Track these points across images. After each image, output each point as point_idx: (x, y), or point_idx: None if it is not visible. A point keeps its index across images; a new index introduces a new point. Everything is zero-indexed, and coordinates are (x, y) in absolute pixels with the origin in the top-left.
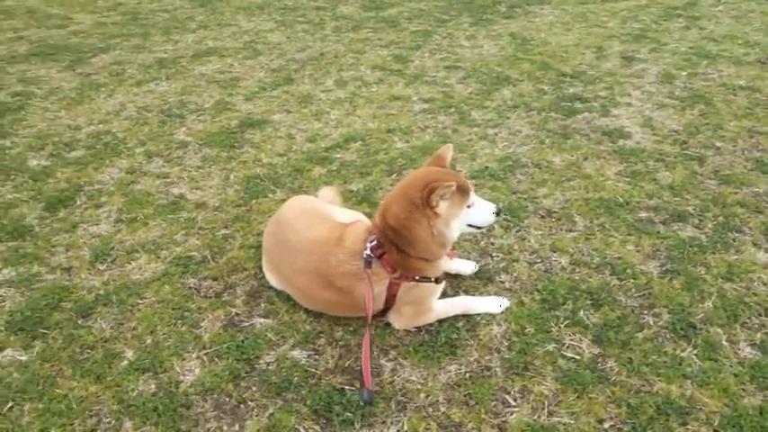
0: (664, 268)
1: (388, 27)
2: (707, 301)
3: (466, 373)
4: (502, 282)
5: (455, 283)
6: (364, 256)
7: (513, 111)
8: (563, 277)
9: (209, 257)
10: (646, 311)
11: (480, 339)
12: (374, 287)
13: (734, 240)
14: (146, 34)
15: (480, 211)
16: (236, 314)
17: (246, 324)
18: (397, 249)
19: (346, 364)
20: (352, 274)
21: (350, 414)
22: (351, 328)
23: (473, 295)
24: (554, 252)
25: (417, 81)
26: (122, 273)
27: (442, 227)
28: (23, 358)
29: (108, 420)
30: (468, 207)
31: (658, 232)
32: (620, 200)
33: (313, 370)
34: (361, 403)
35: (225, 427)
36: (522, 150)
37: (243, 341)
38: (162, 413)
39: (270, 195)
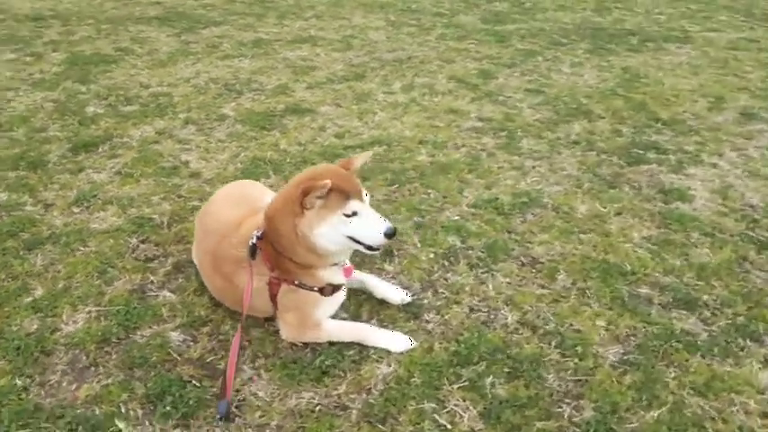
0: (624, 357)
1: (495, 42)
2: (652, 411)
3: (317, 405)
4: (427, 321)
5: (371, 308)
6: (249, 244)
7: (571, 147)
8: (496, 335)
9: (165, 223)
10: (567, 400)
11: (358, 374)
12: (254, 281)
13: (741, 349)
14: (262, 16)
15: (364, 224)
16: (151, 282)
17: (152, 294)
18: (273, 245)
19: (209, 360)
20: (235, 260)
21: (172, 409)
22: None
23: (383, 326)
24: (507, 305)
25: (486, 98)
26: (86, 219)
27: (305, 228)
28: None
29: None
30: (348, 216)
31: (648, 314)
32: (627, 268)
33: (175, 355)
34: (217, 416)
35: (64, 384)
36: (550, 190)
37: (134, 308)
38: (21, 353)
39: (262, 179)
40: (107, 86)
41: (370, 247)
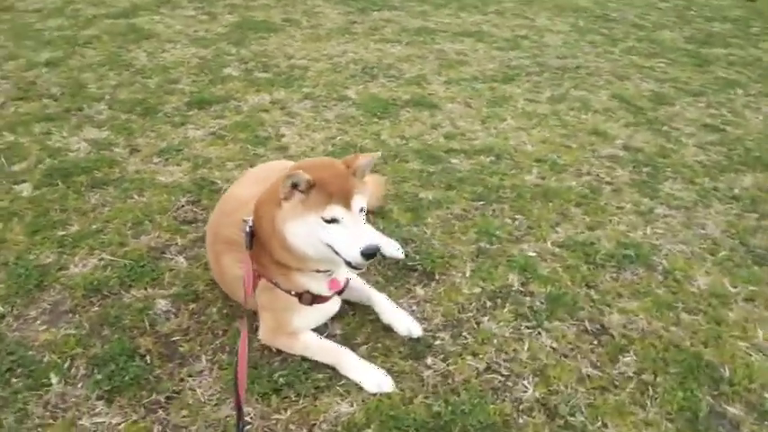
0: None
1: (692, 65)
2: None
3: (247, 425)
4: (426, 366)
5: (371, 333)
6: (246, 229)
7: (726, 203)
8: (499, 409)
9: (223, 189)
10: None
11: (312, 404)
12: (236, 268)
13: None
14: (441, 6)
15: (342, 235)
16: (174, 245)
17: (168, 257)
18: (257, 235)
19: (175, 339)
20: (225, 240)
21: (105, 379)
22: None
23: (373, 356)
24: (535, 376)
25: (645, 126)
26: (157, 171)
27: (279, 221)
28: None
29: None
30: (329, 221)
31: None
32: (725, 374)
33: (147, 324)
34: None
35: (37, 322)
36: (669, 249)
37: (141, 266)
38: (21, 281)
39: None
40: (254, 52)
41: (349, 263)
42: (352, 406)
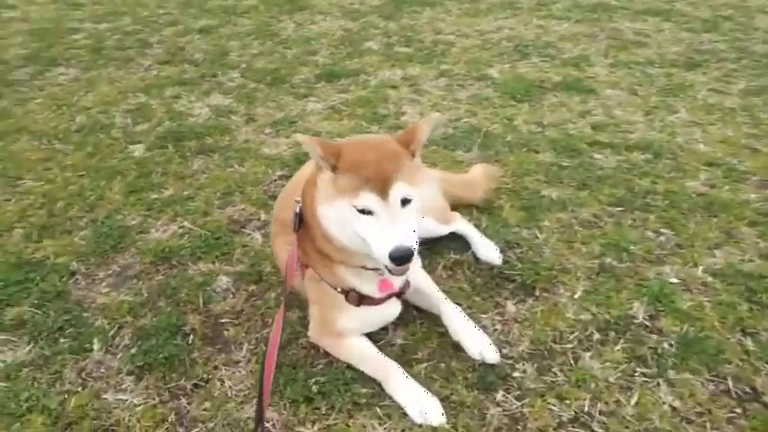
0: None
1: None
2: None
3: None
4: (495, 403)
5: (436, 349)
6: (296, 209)
7: None
8: None
9: None
10: None
11: (344, 423)
12: (286, 252)
13: None
14: None
15: (374, 230)
16: (256, 219)
17: (245, 232)
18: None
19: (223, 321)
20: (281, 222)
21: (140, 353)
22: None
23: (429, 380)
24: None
25: None
26: (264, 142)
27: (315, 203)
28: None
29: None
30: (362, 211)
31: None
32: None
33: (200, 302)
34: None
35: (102, 284)
36: None
37: (216, 239)
38: (100, 241)
39: (459, 152)
40: (402, 26)
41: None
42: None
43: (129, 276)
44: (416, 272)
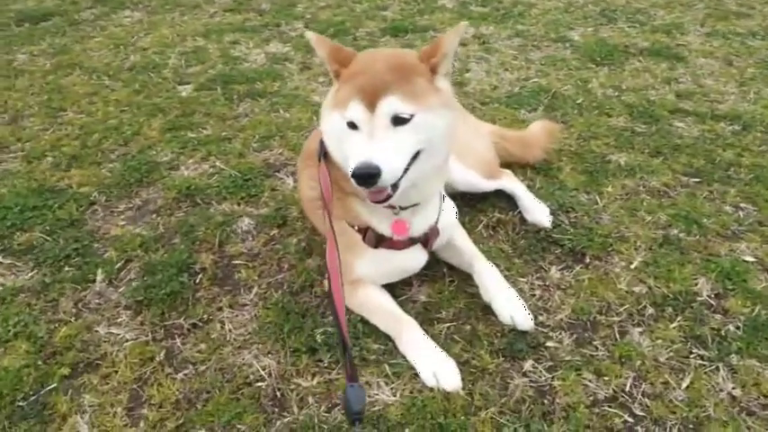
0: None
1: None
2: None
3: (244, 384)
4: (522, 373)
5: (463, 308)
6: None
7: None
8: None
9: None
10: None
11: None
12: (311, 189)
13: None
14: None
15: (352, 144)
16: (292, 165)
17: (278, 176)
18: None
19: (236, 264)
20: (308, 155)
21: (143, 289)
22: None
23: (448, 342)
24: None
25: None
26: (314, 89)
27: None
28: None
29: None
30: (351, 126)
31: None
32: None
33: (216, 240)
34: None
35: (119, 209)
36: None
37: (246, 180)
38: (127, 174)
39: (523, 111)
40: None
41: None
42: (394, 395)
43: (149, 211)
44: (449, 222)
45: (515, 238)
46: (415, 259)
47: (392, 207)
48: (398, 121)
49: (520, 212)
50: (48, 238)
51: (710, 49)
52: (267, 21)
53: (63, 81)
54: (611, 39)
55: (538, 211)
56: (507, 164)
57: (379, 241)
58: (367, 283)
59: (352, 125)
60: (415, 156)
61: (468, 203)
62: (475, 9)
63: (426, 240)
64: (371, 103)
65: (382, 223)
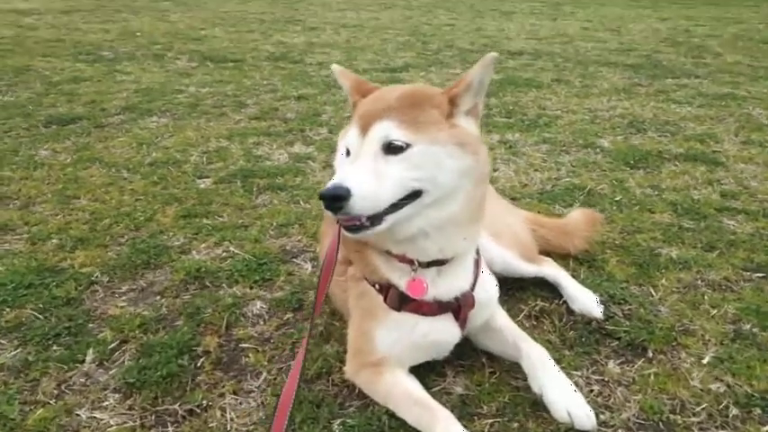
0: None
1: None
2: None
3: None
4: None
5: (513, 399)
6: None
7: None
8: None
9: None
10: None
11: None
12: (330, 247)
13: None
14: None
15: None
16: (311, 252)
17: (295, 263)
18: None
19: (241, 349)
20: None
21: (131, 363)
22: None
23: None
24: None
25: None
26: None
27: None
28: None
29: None
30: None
31: None
32: None
33: (224, 322)
34: None
35: (120, 299)
36: None
37: (262, 265)
38: (132, 256)
39: (557, 206)
40: (503, 102)
41: None
42: None
43: (154, 292)
44: (488, 297)
45: (563, 328)
46: (445, 332)
47: (410, 262)
48: (391, 149)
49: (565, 302)
50: (39, 315)
51: (749, 156)
52: (292, 127)
53: (81, 173)
54: (642, 146)
55: (586, 300)
56: (546, 254)
57: (402, 302)
58: (393, 368)
59: (348, 152)
60: (416, 196)
61: (507, 292)
62: (500, 119)
63: (458, 309)
64: (365, 128)
65: (401, 279)
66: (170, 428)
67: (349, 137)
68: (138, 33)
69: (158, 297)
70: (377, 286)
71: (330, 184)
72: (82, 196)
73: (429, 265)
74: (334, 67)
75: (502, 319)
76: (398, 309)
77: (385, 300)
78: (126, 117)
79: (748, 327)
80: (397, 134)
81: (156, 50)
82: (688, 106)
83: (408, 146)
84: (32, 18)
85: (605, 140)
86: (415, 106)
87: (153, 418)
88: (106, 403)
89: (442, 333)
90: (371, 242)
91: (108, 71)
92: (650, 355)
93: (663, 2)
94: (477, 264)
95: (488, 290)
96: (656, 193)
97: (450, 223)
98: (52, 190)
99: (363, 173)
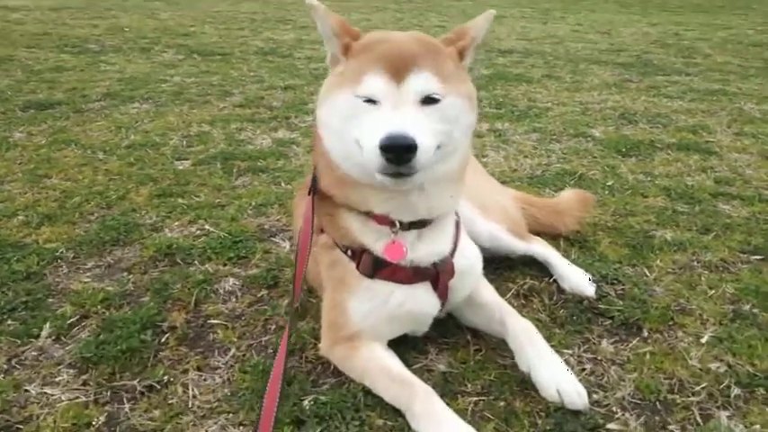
0: None
1: None
2: None
3: None
4: None
5: (504, 382)
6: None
7: None
8: None
9: None
10: None
11: None
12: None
13: None
14: None
15: (370, 121)
16: (287, 225)
17: (273, 241)
18: None
19: (212, 322)
20: (305, 185)
21: (90, 338)
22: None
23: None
24: None
25: None
26: None
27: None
28: None
29: None
30: (362, 100)
31: None
32: None
33: (193, 299)
34: None
35: (82, 270)
36: None
37: (236, 243)
38: (103, 232)
39: (548, 190)
40: (494, 95)
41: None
42: None
43: (121, 269)
44: (469, 265)
45: (553, 307)
46: (423, 302)
47: (391, 224)
48: (427, 101)
49: (555, 281)
50: None
51: (743, 146)
52: (277, 114)
53: (55, 154)
54: (634, 136)
55: (578, 279)
56: (536, 234)
57: (376, 268)
58: (370, 342)
59: (370, 101)
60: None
61: (494, 271)
62: (489, 110)
63: (437, 277)
64: (398, 75)
65: (378, 243)
66: (126, 405)
67: (373, 83)
68: (127, 29)
69: (125, 273)
70: (349, 252)
71: (391, 132)
72: (54, 176)
73: (410, 227)
74: (313, 1)
75: (487, 293)
76: (372, 275)
77: (357, 266)
78: (107, 103)
79: (748, 307)
80: (436, 86)
81: (143, 44)
82: (679, 100)
83: (441, 98)
84: (20, 14)
85: (596, 130)
86: (437, 56)
87: (108, 393)
88: (59, 378)
89: (420, 303)
90: (350, 202)
91: (92, 62)
92: (645, 334)
93: (652, 8)
94: (457, 227)
95: (469, 257)
96: (649, 179)
97: (446, 179)
98: (23, 170)
99: (420, 123)
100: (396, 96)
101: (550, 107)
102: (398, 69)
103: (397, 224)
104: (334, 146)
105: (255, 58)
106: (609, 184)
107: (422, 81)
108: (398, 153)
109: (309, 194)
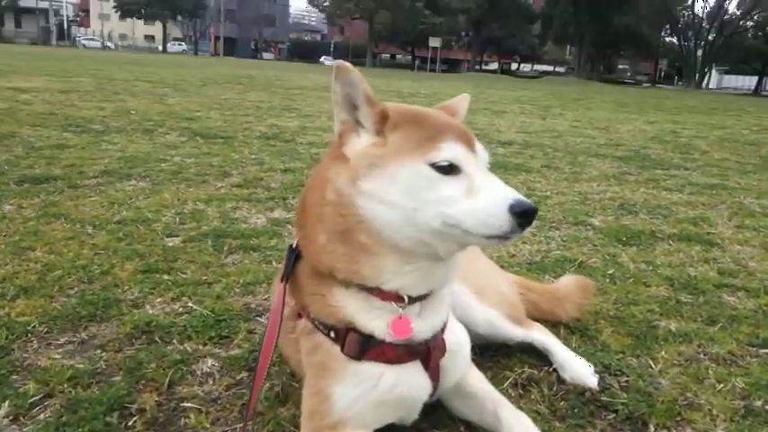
0: None
1: None
2: None
3: None
4: None
5: None
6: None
7: None
8: None
9: None
10: None
11: None
12: (281, 308)
13: None
14: None
15: (463, 190)
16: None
17: (259, 318)
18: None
19: (185, 405)
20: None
21: (50, 419)
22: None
23: None
24: None
25: None
26: None
27: (341, 182)
28: None
29: None
30: (440, 170)
31: None
32: None
33: (166, 380)
34: None
35: (62, 340)
36: None
37: (219, 321)
38: (81, 307)
39: (547, 276)
40: None
41: (487, 237)
42: None
43: (94, 345)
44: (458, 343)
45: (553, 398)
46: (415, 384)
47: (399, 299)
48: None
49: (555, 370)
50: None
51: (745, 238)
52: (274, 195)
53: (43, 227)
54: (634, 225)
55: (580, 369)
56: (535, 321)
57: (363, 349)
58: (352, 430)
59: (448, 169)
60: None
61: (491, 358)
62: None
63: (428, 355)
64: (470, 144)
65: (376, 321)
66: None
67: (456, 151)
68: (133, 112)
69: (98, 350)
70: (332, 334)
71: (521, 199)
72: (38, 248)
73: (414, 300)
74: (344, 63)
75: (477, 381)
76: (359, 357)
77: (342, 348)
78: (103, 180)
79: (760, 403)
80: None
81: (147, 126)
82: (679, 193)
83: None
84: (30, 95)
85: (596, 219)
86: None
87: None
88: None
89: (411, 386)
90: (357, 277)
91: (94, 141)
92: (652, 429)
93: (649, 108)
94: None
95: (458, 335)
96: (651, 268)
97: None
98: (7, 242)
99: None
100: (475, 163)
101: (549, 195)
102: (469, 139)
103: (406, 298)
104: (381, 215)
105: (258, 142)
106: (610, 272)
107: (483, 151)
108: (532, 216)
109: (282, 281)
